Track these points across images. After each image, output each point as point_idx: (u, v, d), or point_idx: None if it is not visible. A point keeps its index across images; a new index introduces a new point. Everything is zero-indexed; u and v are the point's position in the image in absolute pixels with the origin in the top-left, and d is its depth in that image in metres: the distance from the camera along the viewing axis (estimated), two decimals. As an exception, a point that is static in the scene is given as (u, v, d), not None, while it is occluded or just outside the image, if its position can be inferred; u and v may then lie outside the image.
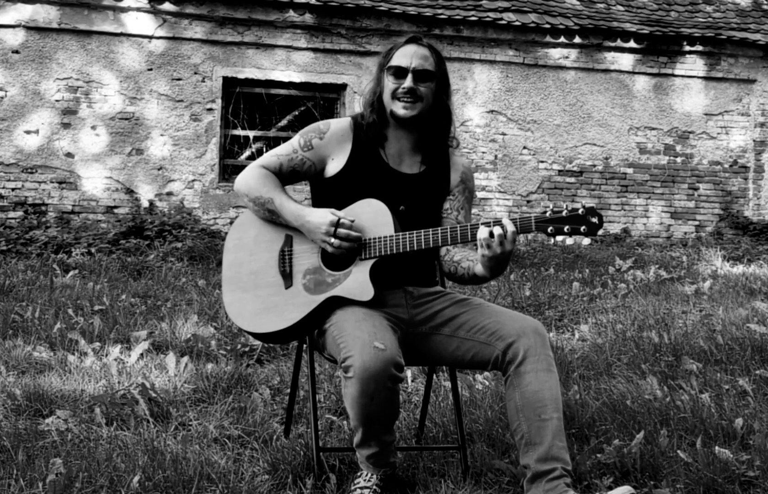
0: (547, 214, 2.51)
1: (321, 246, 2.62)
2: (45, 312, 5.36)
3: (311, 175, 2.78)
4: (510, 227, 2.46)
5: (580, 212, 2.49)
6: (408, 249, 2.57)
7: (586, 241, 2.50)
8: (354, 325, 2.46)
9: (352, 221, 2.59)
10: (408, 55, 2.72)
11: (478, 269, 2.59)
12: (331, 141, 2.75)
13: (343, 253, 2.59)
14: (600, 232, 2.51)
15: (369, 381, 2.35)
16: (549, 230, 2.50)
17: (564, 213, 2.50)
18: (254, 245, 2.74)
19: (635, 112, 11.97)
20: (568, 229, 2.49)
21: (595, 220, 2.49)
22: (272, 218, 2.71)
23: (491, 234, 2.46)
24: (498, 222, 2.49)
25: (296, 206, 2.68)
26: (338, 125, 2.78)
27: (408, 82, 2.69)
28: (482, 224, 2.53)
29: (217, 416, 3.38)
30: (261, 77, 10.80)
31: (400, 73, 2.71)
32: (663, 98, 12.06)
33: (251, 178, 2.74)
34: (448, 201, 2.83)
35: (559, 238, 2.49)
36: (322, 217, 2.60)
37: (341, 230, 2.57)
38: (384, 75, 2.75)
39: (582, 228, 2.48)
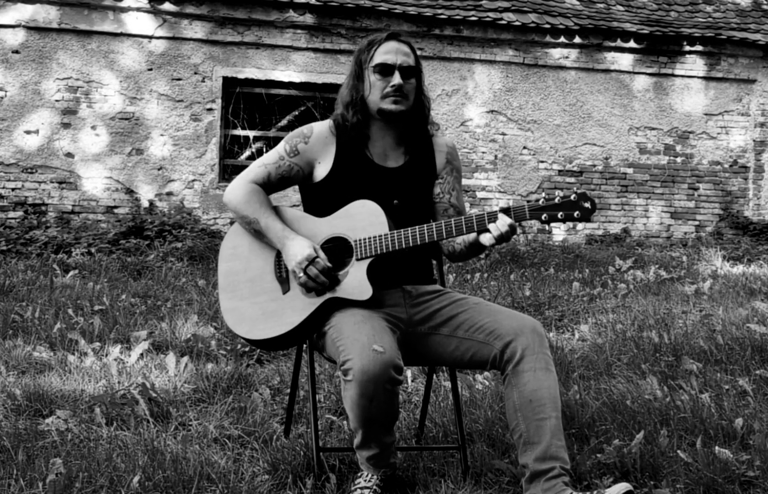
0: (540, 202, 2.54)
1: (291, 274, 2.63)
2: (45, 312, 5.36)
3: (300, 179, 2.79)
4: (508, 221, 2.53)
5: (572, 198, 2.54)
6: (403, 246, 2.58)
7: (580, 226, 2.53)
8: (353, 328, 2.45)
9: (328, 267, 2.59)
10: (392, 52, 2.73)
11: (473, 236, 2.65)
12: (316, 144, 2.76)
13: (308, 289, 2.60)
14: (593, 216, 2.54)
15: (368, 383, 2.35)
16: (543, 217, 2.53)
17: (557, 200, 2.54)
18: (249, 253, 2.74)
19: (635, 112, 11.97)
20: (561, 215, 2.53)
21: (587, 205, 2.53)
22: (258, 237, 2.72)
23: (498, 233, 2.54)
24: (494, 216, 2.55)
25: (281, 228, 2.67)
26: (320, 128, 2.79)
27: (396, 79, 2.70)
28: (476, 218, 2.56)
29: (217, 416, 3.38)
30: (261, 77, 10.80)
31: (386, 70, 2.72)
32: (663, 98, 12.06)
33: (237, 197, 2.74)
34: (438, 185, 2.86)
35: (555, 225, 2.52)
36: (301, 249, 2.60)
37: (311, 269, 2.57)
38: (368, 73, 2.75)
39: (575, 213, 2.52)
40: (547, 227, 2.51)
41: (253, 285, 2.69)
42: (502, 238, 2.54)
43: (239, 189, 2.75)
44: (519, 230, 2.68)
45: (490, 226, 2.55)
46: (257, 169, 2.78)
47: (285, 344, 2.75)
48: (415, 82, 2.78)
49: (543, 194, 2.56)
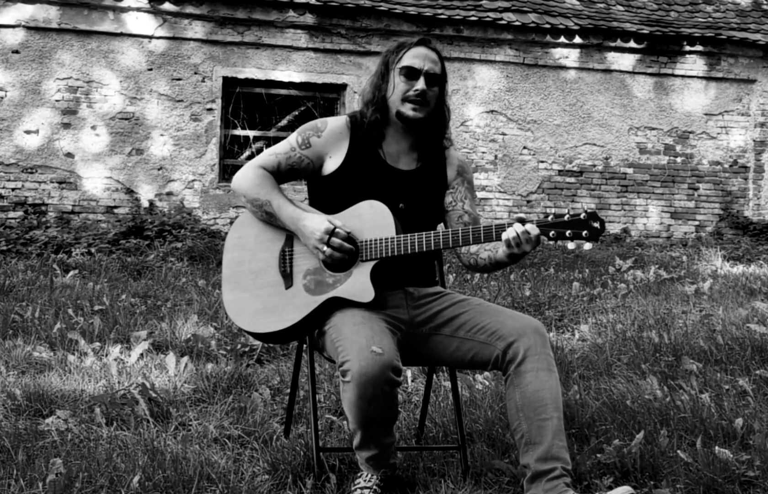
0: (549, 218, 2.51)
1: (313, 252, 2.62)
2: (45, 312, 5.36)
3: (309, 173, 2.77)
4: (534, 231, 2.49)
5: (582, 216, 2.50)
6: (409, 251, 2.57)
7: (588, 246, 2.51)
8: (352, 329, 2.45)
9: (348, 233, 2.59)
10: (420, 57, 2.72)
11: (500, 256, 2.63)
12: (328, 139, 2.75)
13: (334, 262, 2.58)
14: (602, 236, 2.51)
15: (366, 385, 2.34)
16: (551, 234, 2.50)
17: (566, 218, 2.50)
18: (255, 245, 2.73)
19: (635, 112, 11.97)
20: (570, 233, 2.49)
21: (596, 225, 2.49)
22: (270, 220, 2.70)
23: (517, 236, 2.50)
24: (503, 227, 2.53)
25: (294, 209, 2.66)
26: (335, 123, 2.77)
27: (421, 84, 2.69)
28: (484, 229, 2.54)
29: (217, 416, 3.38)
30: (261, 77, 10.80)
31: (412, 74, 2.71)
32: (663, 98, 12.06)
33: (248, 179, 2.72)
34: (450, 194, 2.84)
35: (561, 243, 2.50)
36: (318, 223, 2.59)
37: (335, 240, 2.56)
38: (393, 74, 2.74)
39: (584, 233, 2.49)
40: (553, 243, 2.48)
41: (257, 278, 2.68)
42: (510, 243, 2.51)
43: (250, 173, 2.73)
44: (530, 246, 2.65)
45: (502, 234, 2.52)
46: (267, 157, 2.77)
47: (285, 339, 2.76)
48: (438, 90, 2.76)
49: (553, 210, 2.54)
